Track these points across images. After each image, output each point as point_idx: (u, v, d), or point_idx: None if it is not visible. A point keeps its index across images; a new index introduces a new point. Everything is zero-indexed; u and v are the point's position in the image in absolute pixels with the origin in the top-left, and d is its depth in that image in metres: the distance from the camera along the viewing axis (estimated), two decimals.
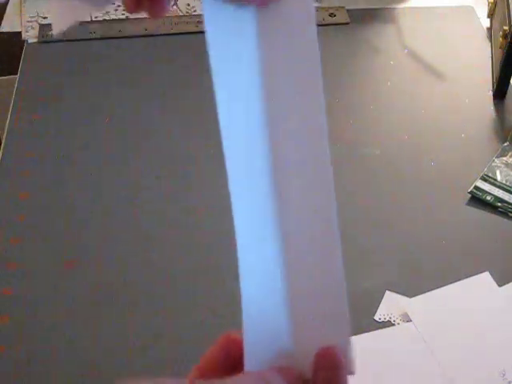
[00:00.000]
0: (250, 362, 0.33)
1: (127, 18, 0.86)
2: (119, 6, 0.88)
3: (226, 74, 0.31)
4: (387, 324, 0.56)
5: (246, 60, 0.31)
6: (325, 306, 0.33)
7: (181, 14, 0.87)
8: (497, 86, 0.76)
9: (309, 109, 0.32)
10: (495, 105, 0.76)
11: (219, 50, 0.31)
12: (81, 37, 0.83)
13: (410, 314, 0.56)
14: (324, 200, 0.32)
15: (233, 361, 0.33)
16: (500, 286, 0.58)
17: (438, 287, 0.58)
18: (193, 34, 0.84)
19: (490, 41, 0.83)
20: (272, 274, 0.32)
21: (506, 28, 0.72)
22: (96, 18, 0.86)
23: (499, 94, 0.76)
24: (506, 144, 0.71)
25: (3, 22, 0.87)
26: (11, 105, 0.75)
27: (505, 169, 0.68)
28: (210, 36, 0.31)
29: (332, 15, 0.87)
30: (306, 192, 0.33)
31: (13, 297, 0.58)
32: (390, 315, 0.57)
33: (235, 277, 0.33)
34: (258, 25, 0.31)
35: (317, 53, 0.31)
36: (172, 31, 0.85)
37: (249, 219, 0.32)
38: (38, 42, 0.83)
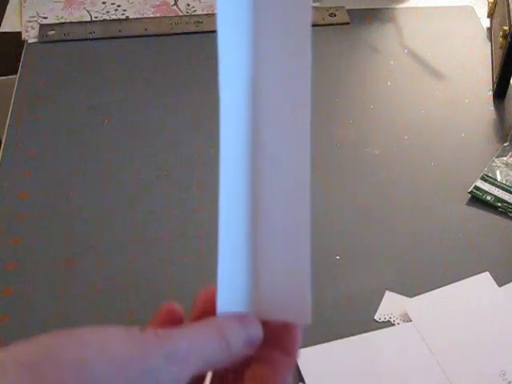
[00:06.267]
0: (221, 308, 0.33)
1: (127, 18, 0.86)
2: (119, 6, 0.88)
3: (224, 43, 0.31)
4: (387, 324, 0.56)
5: (241, 31, 0.31)
6: (289, 282, 0.34)
7: (181, 14, 0.87)
8: (497, 86, 0.76)
9: (295, 94, 0.32)
10: (495, 105, 0.76)
11: (222, 17, 0.31)
12: (81, 37, 0.84)
13: (410, 314, 0.56)
14: (299, 190, 0.33)
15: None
16: (500, 286, 0.58)
17: (438, 287, 0.58)
18: (193, 34, 0.84)
19: (490, 41, 0.83)
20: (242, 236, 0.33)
21: (505, 28, 0.72)
22: (96, 18, 0.86)
23: (499, 94, 0.76)
24: (506, 144, 0.71)
25: (3, 22, 0.87)
26: (11, 105, 0.75)
27: (505, 169, 0.68)
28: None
29: (332, 15, 0.87)
30: (282, 180, 0.33)
31: (13, 297, 0.58)
32: (390, 315, 0.57)
33: None
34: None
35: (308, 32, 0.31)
36: (172, 31, 0.85)
37: (227, 193, 0.33)
38: (38, 42, 0.83)
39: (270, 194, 0.33)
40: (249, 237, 0.33)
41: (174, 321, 0.33)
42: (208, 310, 0.33)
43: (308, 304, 0.33)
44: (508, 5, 0.74)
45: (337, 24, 0.86)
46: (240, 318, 0.32)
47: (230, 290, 0.33)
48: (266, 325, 0.33)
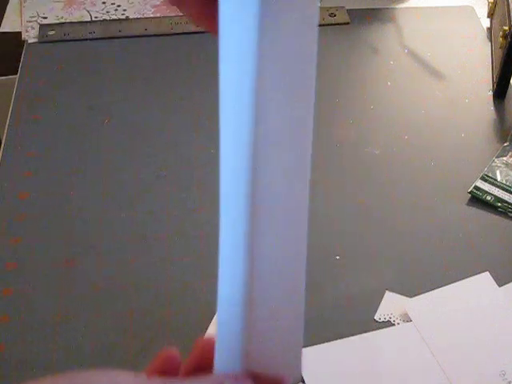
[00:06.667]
0: (219, 362, 0.34)
1: (127, 18, 0.86)
2: (119, 6, 0.88)
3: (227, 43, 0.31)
4: (387, 324, 0.56)
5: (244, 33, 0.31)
6: (282, 330, 0.35)
7: (181, 14, 0.87)
8: (497, 86, 0.76)
9: (298, 98, 0.31)
10: (495, 105, 0.76)
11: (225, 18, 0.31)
12: (81, 37, 0.84)
13: (410, 314, 0.56)
14: (297, 221, 0.33)
15: (206, 363, 0.35)
16: (500, 286, 0.58)
17: (438, 287, 0.58)
18: (193, 34, 0.84)
19: (490, 41, 0.83)
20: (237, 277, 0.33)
21: (505, 28, 0.72)
22: (96, 18, 0.86)
23: (499, 94, 0.76)
24: (506, 144, 0.71)
25: (3, 22, 0.87)
26: (11, 105, 0.75)
27: (505, 169, 0.68)
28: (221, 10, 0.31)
29: (332, 15, 0.87)
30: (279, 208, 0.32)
31: (13, 297, 0.58)
32: (390, 315, 0.57)
33: None
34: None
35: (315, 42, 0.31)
36: (172, 31, 0.85)
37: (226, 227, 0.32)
38: (38, 42, 0.83)
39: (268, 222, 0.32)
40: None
41: (171, 366, 0.35)
42: (205, 357, 0.35)
43: (299, 362, 0.35)
44: (508, 5, 0.74)
45: (337, 24, 0.86)
46: (235, 376, 0.34)
47: (227, 352, 0.35)
48: (258, 377, 0.35)
